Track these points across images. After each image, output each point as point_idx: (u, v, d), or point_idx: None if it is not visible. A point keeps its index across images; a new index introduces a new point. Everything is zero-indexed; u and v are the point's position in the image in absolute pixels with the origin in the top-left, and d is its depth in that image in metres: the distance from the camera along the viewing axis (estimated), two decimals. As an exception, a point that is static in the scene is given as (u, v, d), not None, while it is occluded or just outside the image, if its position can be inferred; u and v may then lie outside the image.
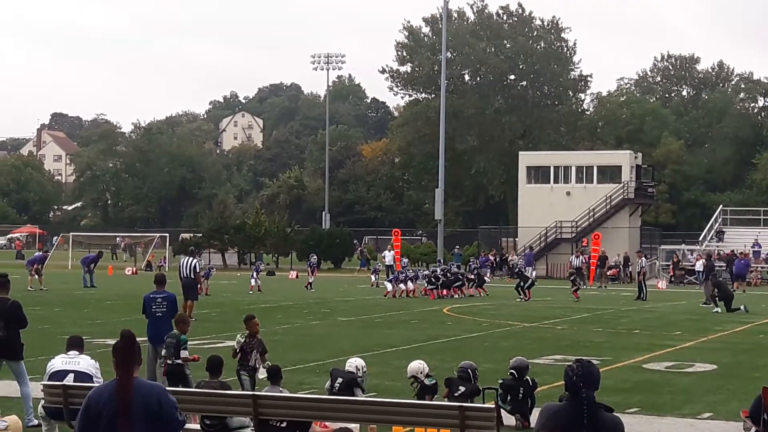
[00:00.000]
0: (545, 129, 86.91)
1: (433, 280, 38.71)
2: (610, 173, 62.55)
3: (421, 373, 12.99)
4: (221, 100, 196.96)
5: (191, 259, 28.79)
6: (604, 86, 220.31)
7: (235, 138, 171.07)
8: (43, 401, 11.00)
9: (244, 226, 67.08)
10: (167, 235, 68.37)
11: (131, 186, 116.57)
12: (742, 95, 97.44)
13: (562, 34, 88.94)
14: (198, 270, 28.71)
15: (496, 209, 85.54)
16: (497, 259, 59.13)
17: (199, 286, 29.56)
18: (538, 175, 64.11)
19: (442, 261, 49.74)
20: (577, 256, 48.37)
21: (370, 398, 12.17)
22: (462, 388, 12.58)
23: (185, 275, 27.77)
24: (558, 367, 16.97)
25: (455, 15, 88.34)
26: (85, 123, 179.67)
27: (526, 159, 65.58)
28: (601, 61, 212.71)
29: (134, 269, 58.50)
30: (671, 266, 53.60)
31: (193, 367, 13.31)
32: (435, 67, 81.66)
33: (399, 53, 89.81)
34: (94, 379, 10.95)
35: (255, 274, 41.62)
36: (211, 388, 11.05)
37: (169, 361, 13.10)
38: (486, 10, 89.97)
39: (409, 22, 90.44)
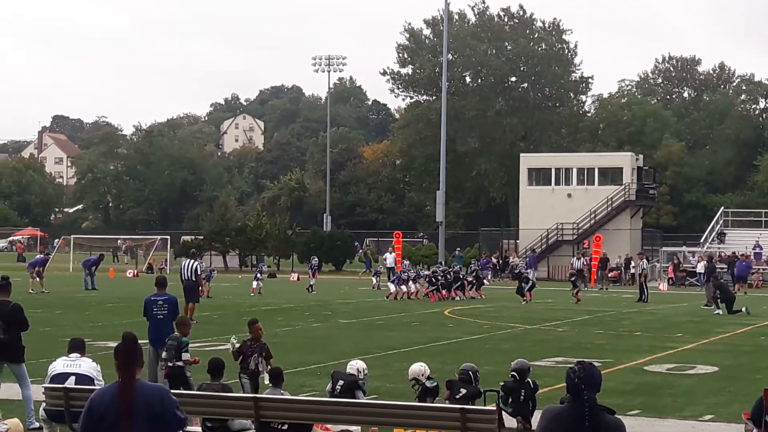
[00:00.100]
0: (546, 131, 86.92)
1: (434, 280, 38.75)
2: (611, 175, 62.54)
3: (423, 375, 12.98)
4: (222, 102, 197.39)
5: (192, 261, 28.81)
6: (605, 88, 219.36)
7: (236, 140, 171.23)
8: (44, 404, 10.99)
9: (245, 228, 67.11)
10: (168, 237, 68.41)
11: (132, 188, 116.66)
12: (743, 97, 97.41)
13: (563, 36, 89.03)
14: (199, 272, 28.71)
15: (497, 211, 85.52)
16: (500, 261, 59.06)
17: (200, 288, 29.57)
18: (539, 176, 64.11)
19: (443, 263, 49.72)
20: (579, 258, 48.33)
21: (372, 401, 12.17)
22: (463, 391, 12.57)
23: (186, 278, 27.79)
24: (559, 369, 16.96)
25: (456, 17, 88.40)
26: (86, 125, 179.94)
27: (527, 161, 65.58)
28: (602, 62, 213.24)
29: (135, 272, 58.49)
30: (670, 267, 53.43)
31: (194, 370, 13.31)
32: (436, 68, 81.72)
33: (400, 55, 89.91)
34: (96, 381, 10.95)
35: (258, 275, 41.65)
36: (212, 390, 11.04)
37: (170, 364, 13.10)
38: (487, 12, 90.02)
39: (410, 23, 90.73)
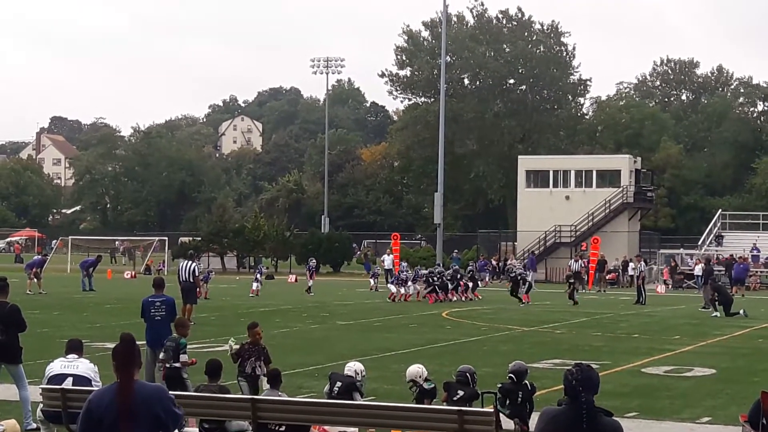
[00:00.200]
0: (544, 133, 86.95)
1: (431, 280, 38.77)
2: (609, 177, 62.56)
3: (420, 377, 12.97)
4: (220, 104, 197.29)
5: (190, 262, 28.78)
6: (604, 90, 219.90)
7: (235, 142, 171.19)
8: (41, 405, 10.98)
9: (243, 229, 67.10)
10: (166, 238, 68.43)
11: (130, 190, 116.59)
12: (741, 99, 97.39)
13: (562, 38, 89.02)
14: (197, 274, 28.69)
15: (495, 213, 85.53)
16: (500, 264, 58.96)
17: (198, 289, 29.52)
18: (538, 179, 64.12)
19: (440, 265, 49.69)
20: (576, 260, 48.36)
21: (369, 402, 12.16)
22: (461, 392, 12.56)
23: (184, 279, 27.77)
24: (557, 371, 16.97)
25: (455, 19, 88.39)
26: (84, 127, 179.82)
27: (526, 163, 65.59)
28: (601, 65, 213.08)
29: (133, 273, 58.47)
30: (665, 270, 53.27)
31: (191, 371, 13.30)
32: (434, 71, 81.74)
33: (398, 57, 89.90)
34: (93, 382, 10.94)
35: (258, 276, 41.63)
36: (210, 391, 11.03)
37: (167, 365, 13.09)
38: (485, 15, 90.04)
39: (408, 26, 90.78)
